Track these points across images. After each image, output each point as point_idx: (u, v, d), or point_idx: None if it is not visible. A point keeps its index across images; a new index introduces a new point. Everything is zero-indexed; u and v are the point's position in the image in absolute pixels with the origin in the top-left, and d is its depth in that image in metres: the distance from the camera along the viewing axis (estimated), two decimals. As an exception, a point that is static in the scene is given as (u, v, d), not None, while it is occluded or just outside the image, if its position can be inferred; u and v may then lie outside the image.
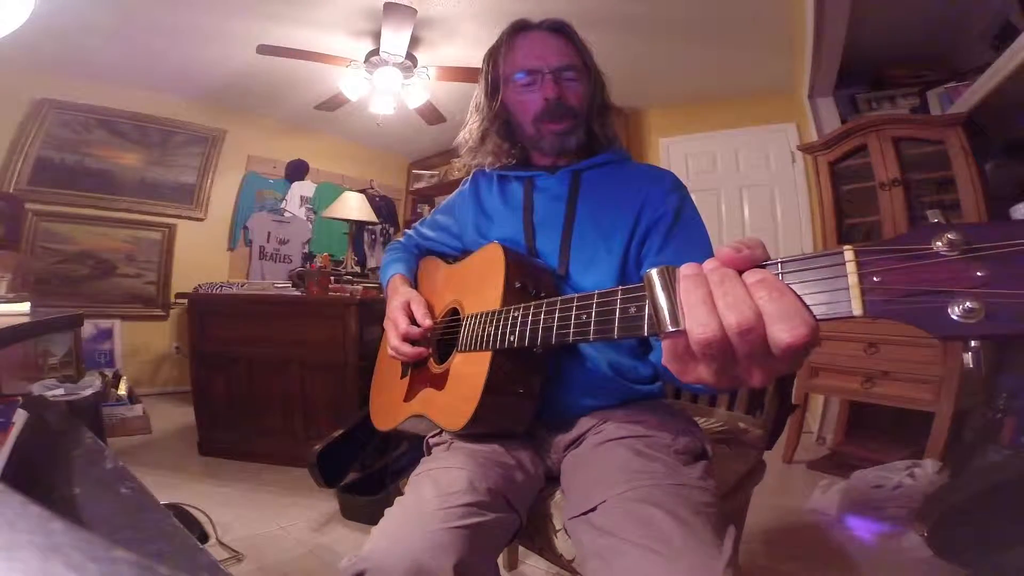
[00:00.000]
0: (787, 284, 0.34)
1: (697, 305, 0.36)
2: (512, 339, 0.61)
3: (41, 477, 0.52)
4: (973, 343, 0.30)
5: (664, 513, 0.57)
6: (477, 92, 0.91)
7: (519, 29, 0.87)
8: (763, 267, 0.36)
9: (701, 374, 0.38)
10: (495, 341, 0.65)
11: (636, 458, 0.68)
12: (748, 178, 3.27)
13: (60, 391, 1.95)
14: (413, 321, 0.85)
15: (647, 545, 0.55)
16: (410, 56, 2.75)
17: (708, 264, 0.37)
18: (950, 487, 1.46)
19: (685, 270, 0.38)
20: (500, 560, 0.96)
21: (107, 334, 3.28)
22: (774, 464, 1.77)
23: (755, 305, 0.34)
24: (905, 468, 1.62)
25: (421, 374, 0.86)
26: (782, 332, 0.32)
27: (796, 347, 0.32)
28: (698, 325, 0.35)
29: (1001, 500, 1.28)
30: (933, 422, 1.75)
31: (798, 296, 0.33)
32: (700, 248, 0.79)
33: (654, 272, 0.38)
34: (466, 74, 2.71)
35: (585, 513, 0.63)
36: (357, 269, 3.08)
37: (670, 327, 0.37)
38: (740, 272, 0.36)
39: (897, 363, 1.87)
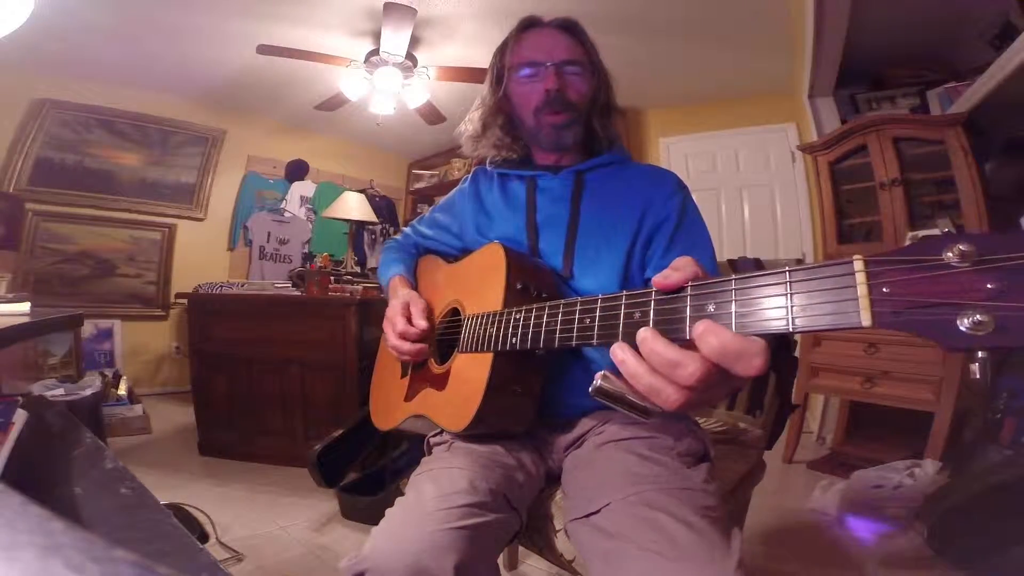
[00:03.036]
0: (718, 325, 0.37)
1: (658, 391, 0.39)
2: (514, 341, 0.61)
3: (41, 477, 0.52)
4: (980, 354, 0.30)
5: (670, 517, 0.57)
6: (485, 83, 0.92)
7: (529, 25, 0.88)
8: (701, 282, 0.40)
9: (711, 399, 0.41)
10: (497, 342, 0.64)
11: (639, 461, 0.68)
12: (748, 178, 3.27)
13: (60, 391, 1.95)
14: (411, 323, 0.85)
15: (654, 549, 0.55)
16: (410, 56, 2.75)
17: (622, 352, 0.41)
18: (950, 487, 1.46)
19: (620, 363, 0.41)
20: (500, 560, 0.96)
21: (107, 334, 3.28)
22: (774, 464, 1.77)
23: (686, 355, 0.37)
24: (905, 468, 1.62)
25: (421, 374, 0.86)
26: (743, 370, 0.36)
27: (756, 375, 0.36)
28: (672, 404, 0.39)
29: (1001, 500, 1.28)
30: (933, 422, 1.75)
31: (738, 335, 0.36)
32: (703, 250, 0.79)
33: (600, 382, 0.42)
34: (466, 74, 2.71)
35: (588, 516, 0.63)
36: (357, 269, 3.08)
37: (658, 411, 0.41)
38: (677, 290, 0.40)
39: (897, 363, 1.87)
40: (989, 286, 0.28)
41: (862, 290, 0.31)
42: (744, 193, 3.28)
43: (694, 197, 0.85)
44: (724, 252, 3.09)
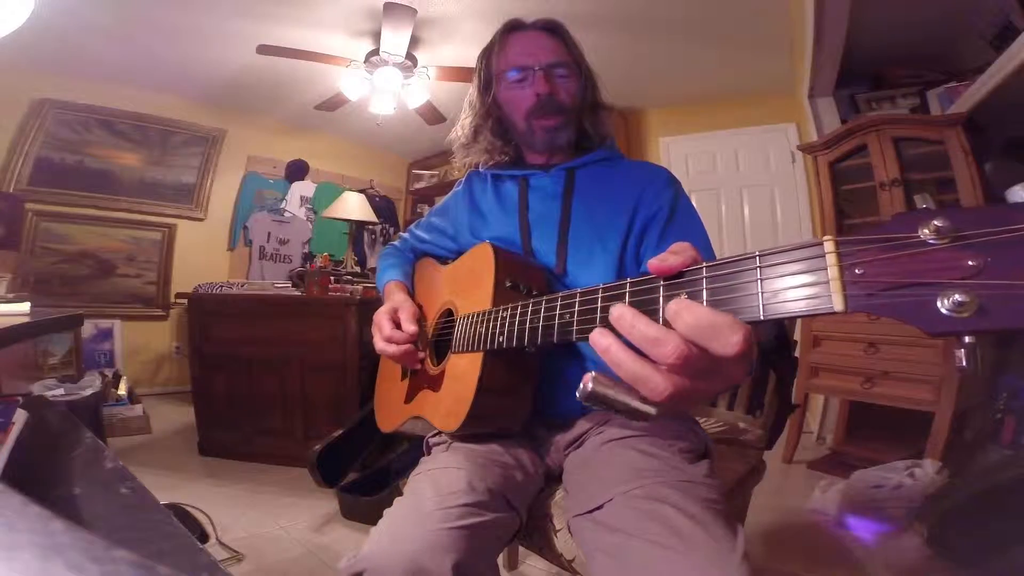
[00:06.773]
0: (697, 303, 0.34)
1: (645, 379, 0.35)
2: (501, 339, 0.60)
3: (41, 477, 0.52)
4: (967, 339, 0.27)
5: (674, 509, 0.57)
6: (471, 90, 0.92)
7: (512, 28, 0.89)
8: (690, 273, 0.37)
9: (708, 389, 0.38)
10: (486, 341, 0.64)
11: (641, 456, 0.68)
12: (748, 178, 3.27)
13: (60, 391, 1.95)
14: (400, 327, 0.84)
15: (659, 541, 0.54)
16: (410, 56, 2.75)
17: (603, 337, 0.37)
18: (950, 487, 1.46)
19: (604, 350, 0.37)
20: (500, 560, 0.96)
21: (107, 334, 3.28)
22: (774, 464, 1.77)
23: (668, 334, 0.34)
24: (905, 468, 1.62)
25: (419, 376, 0.86)
26: (721, 348, 0.32)
27: (737, 356, 0.32)
28: (662, 393, 0.35)
29: (1001, 500, 1.28)
30: (933, 422, 1.75)
31: (713, 310, 0.33)
32: (697, 241, 0.79)
33: (591, 385, 0.37)
34: (466, 74, 2.71)
35: (591, 511, 0.63)
36: (357, 269, 3.08)
37: (654, 412, 0.36)
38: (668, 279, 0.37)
39: (897, 363, 1.87)
40: (969, 263, 0.26)
41: (833, 272, 0.29)
42: (744, 193, 3.27)
43: (694, 197, 0.85)
44: (724, 252, 3.07)
